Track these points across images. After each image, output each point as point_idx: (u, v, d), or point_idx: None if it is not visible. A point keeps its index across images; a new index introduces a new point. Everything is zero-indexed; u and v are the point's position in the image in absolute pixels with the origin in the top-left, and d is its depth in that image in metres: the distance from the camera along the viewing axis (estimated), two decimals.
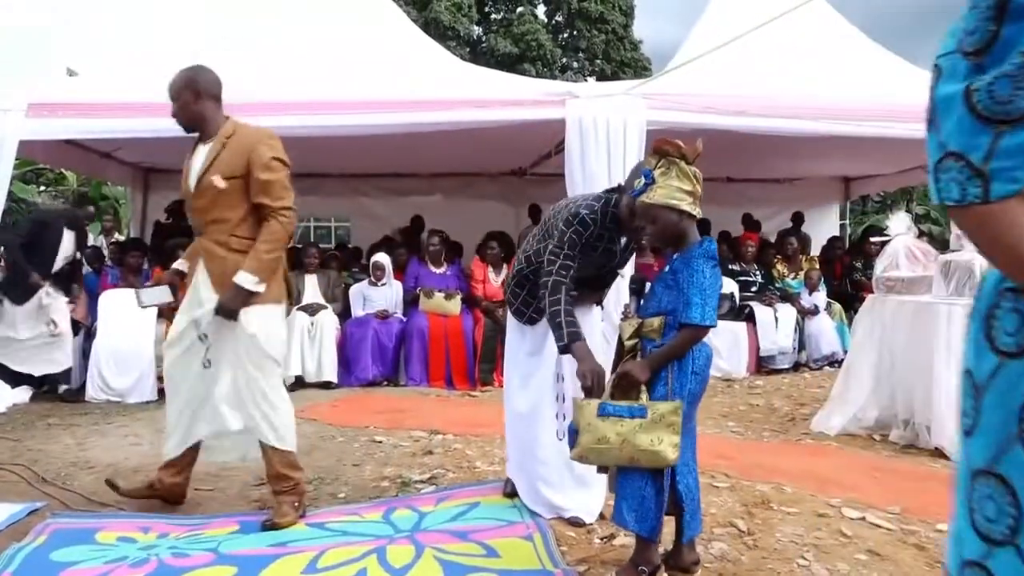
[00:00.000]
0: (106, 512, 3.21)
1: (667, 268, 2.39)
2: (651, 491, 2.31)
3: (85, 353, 6.01)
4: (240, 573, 2.56)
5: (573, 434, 2.40)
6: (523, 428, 3.09)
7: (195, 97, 3.12)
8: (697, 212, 2.34)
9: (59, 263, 5.85)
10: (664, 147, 2.31)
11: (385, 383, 6.34)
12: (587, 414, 2.33)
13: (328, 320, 6.33)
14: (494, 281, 6.75)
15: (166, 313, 6.14)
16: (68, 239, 5.89)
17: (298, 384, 6.13)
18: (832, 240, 9.07)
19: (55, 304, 5.78)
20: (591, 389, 2.45)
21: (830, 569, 2.54)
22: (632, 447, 2.23)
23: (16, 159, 5.36)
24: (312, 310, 6.34)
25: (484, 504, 3.18)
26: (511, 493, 3.21)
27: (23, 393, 5.71)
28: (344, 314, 6.66)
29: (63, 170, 14.46)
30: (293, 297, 5.43)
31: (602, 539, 2.82)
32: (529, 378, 3.10)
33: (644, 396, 2.30)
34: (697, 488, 2.46)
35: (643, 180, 2.33)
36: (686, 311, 2.27)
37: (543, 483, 3.00)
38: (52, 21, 6.55)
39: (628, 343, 2.41)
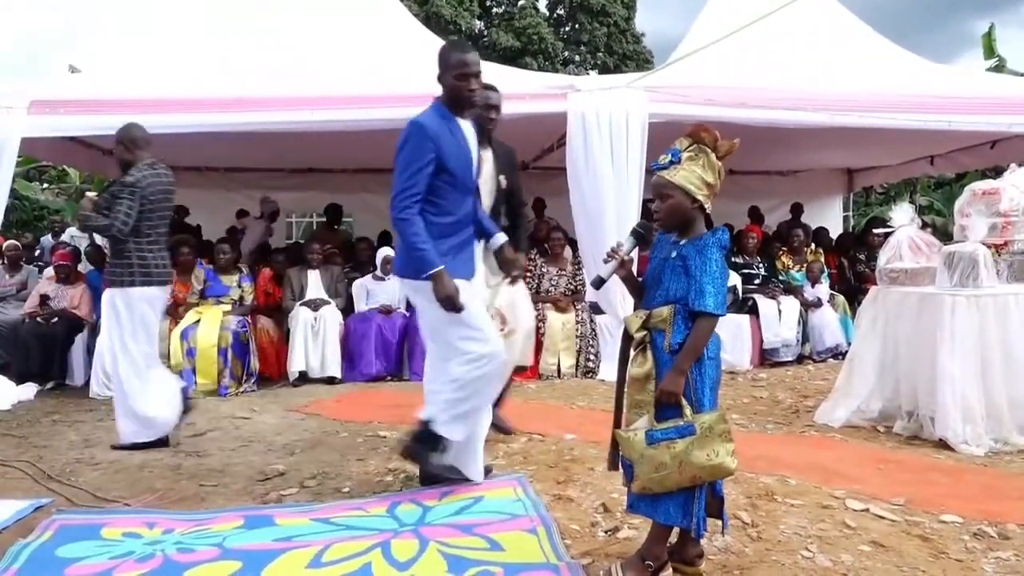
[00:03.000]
0: (111, 508, 3.23)
1: (673, 254, 2.35)
2: (701, 487, 2.30)
3: (89, 350, 6.03)
4: (245, 568, 2.57)
5: (629, 468, 2.35)
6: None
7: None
8: (708, 207, 2.34)
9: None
10: (700, 133, 2.29)
11: (389, 378, 6.34)
12: (637, 445, 2.28)
13: (331, 315, 6.33)
14: None
15: (169, 309, 6.17)
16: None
17: (302, 379, 6.15)
18: (818, 231, 8.95)
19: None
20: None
21: (834, 560, 2.54)
22: (692, 466, 2.21)
23: (18, 156, 5.37)
24: (315, 305, 6.34)
25: (488, 498, 3.18)
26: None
27: (28, 390, 5.73)
28: (347, 309, 6.67)
29: (65, 167, 14.49)
30: None
31: (606, 532, 2.82)
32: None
33: (687, 410, 2.26)
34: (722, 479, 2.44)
35: (669, 157, 2.31)
36: (700, 299, 2.24)
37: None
38: (54, 20, 6.56)
39: (637, 335, 2.38)
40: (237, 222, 8.77)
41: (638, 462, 2.28)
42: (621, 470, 2.42)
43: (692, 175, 2.28)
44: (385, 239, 8.13)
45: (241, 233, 8.35)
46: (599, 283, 2.50)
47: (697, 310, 2.25)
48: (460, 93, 3.20)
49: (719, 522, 2.45)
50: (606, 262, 2.43)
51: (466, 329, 3.09)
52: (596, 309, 6.41)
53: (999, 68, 12.98)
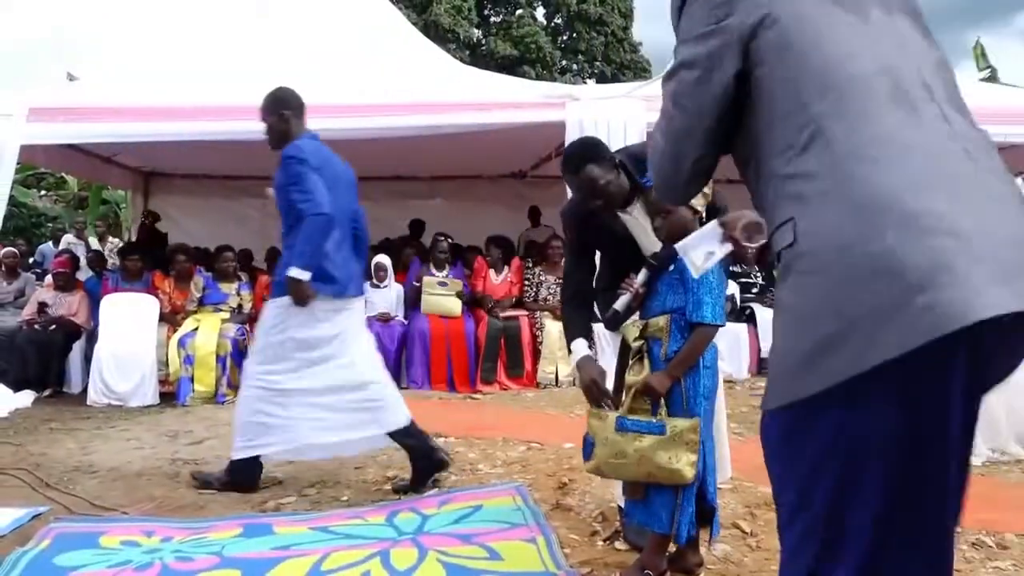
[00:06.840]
0: (109, 516, 3.22)
1: (671, 266, 2.37)
2: (685, 493, 2.32)
3: (87, 357, 6.02)
4: None
5: (589, 446, 2.39)
6: None
7: None
8: (703, 211, 2.35)
9: None
10: None
11: None
12: (605, 428, 2.32)
13: None
14: (494, 279, 6.81)
15: (167, 317, 6.17)
16: None
17: None
18: None
19: None
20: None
21: None
22: (650, 463, 2.23)
23: (17, 164, 5.37)
24: None
25: (487, 507, 3.18)
26: None
27: (25, 397, 5.71)
28: None
29: (64, 174, 14.47)
30: None
31: (605, 541, 2.82)
32: None
33: (663, 410, 2.28)
34: (715, 487, 2.46)
35: None
36: (698, 311, 2.26)
37: None
38: (52, 26, 6.55)
39: (634, 345, 2.40)
40: None
41: (600, 443, 2.33)
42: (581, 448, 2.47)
43: None
44: (384, 246, 8.15)
45: None
46: (614, 318, 2.39)
47: (694, 322, 2.26)
48: None
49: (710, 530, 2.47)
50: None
51: None
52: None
53: (991, 79, 13.03)
